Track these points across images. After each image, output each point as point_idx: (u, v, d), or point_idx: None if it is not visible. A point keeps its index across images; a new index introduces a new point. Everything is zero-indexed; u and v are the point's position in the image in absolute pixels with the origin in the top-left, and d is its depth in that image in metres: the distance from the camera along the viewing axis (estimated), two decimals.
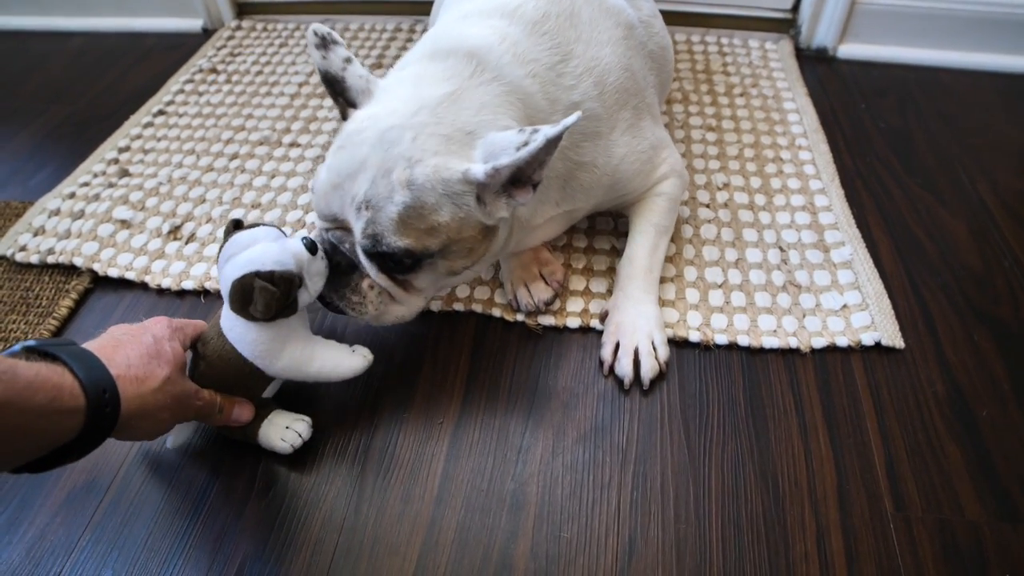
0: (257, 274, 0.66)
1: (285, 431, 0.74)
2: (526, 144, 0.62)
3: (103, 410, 0.56)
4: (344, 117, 0.74)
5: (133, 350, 0.63)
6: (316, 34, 0.72)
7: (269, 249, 0.67)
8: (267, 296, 0.65)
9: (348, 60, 0.73)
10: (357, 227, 0.67)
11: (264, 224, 0.73)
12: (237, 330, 0.70)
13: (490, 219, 0.69)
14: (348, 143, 0.68)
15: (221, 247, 0.71)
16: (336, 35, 0.74)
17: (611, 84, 0.80)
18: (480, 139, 0.67)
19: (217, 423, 0.72)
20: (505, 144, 0.64)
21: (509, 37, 0.74)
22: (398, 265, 0.69)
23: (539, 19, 0.77)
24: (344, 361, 0.74)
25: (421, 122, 0.67)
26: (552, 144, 0.63)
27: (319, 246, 0.70)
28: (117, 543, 0.70)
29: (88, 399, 0.55)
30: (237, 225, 0.72)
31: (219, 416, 0.71)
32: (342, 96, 0.74)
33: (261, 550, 0.68)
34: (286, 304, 0.68)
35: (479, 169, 0.65)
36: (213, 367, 0.71)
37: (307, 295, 0.70)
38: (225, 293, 0.69)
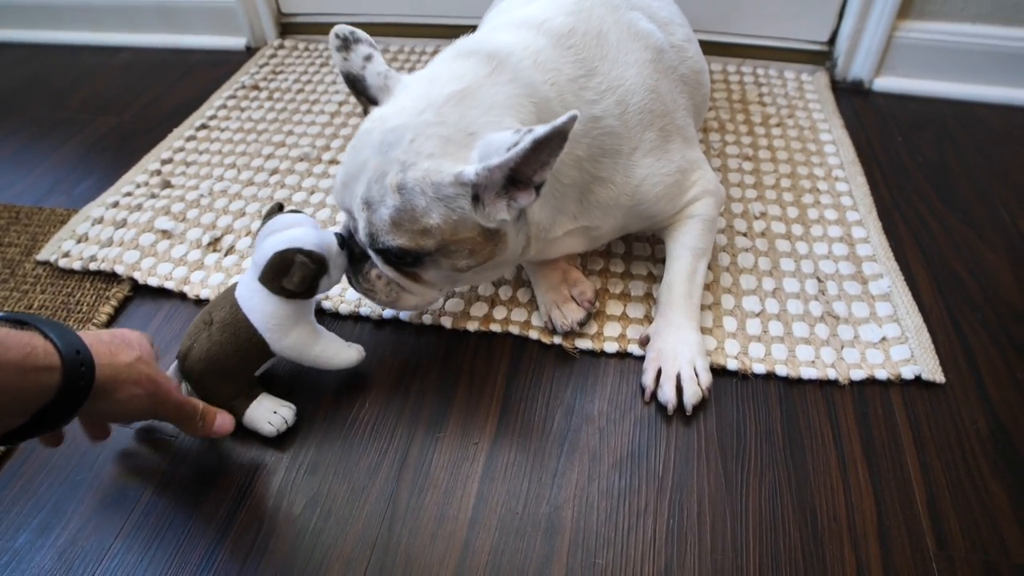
0: (299, 251, 0.72)
1: (272, 415, 0.78)
2: (517, 144, 0.61)
3: (78, 369, 0.57)
4: (366, 113, 0.75)
5: (104, 334, 0.67)
6: (338, 36, 0.74)
7: (311, 233, 0.74)
8: (305, 271, 0.72)
9: (368, 58, 0.74)
10: (360, 224, 0.71)
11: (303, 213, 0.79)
12: (256, 300, 0.75)
13: (489, 221, 0.68)
14: (357, 143, 0.71)
15: (263, 223, 0.77)
16: (360, 33, 0.75)
17: (635, 104, 0.79)
18: (480, 139, 0.66)
19: (197, 432, 0.74)
20: (499, 145, 0.63)
21: (533, 45, 0.75)
22: (399, 260, 0.72)
23: (565, 33, 0.77)
24: (342, 352, 0.80)
25: (424, 121, 0.67)
26: (544, 145, 0.61)
27: (345, 242, 0.76)
28: (148, 552, 0.70)
29: (62, 357, 0.56)
30: (280, 207, 0.79)
31: (200, 424, 0.73)
32: (364, 95, 0.75)
33: (292, 566, 0.68)
34: (312, 285, 0.74)
35: (470, 170, 0.64)
36: (216, 337, 0.75)
37: (327, 282, 0.76)
38: (259, 263, 0.73)
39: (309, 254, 0.73)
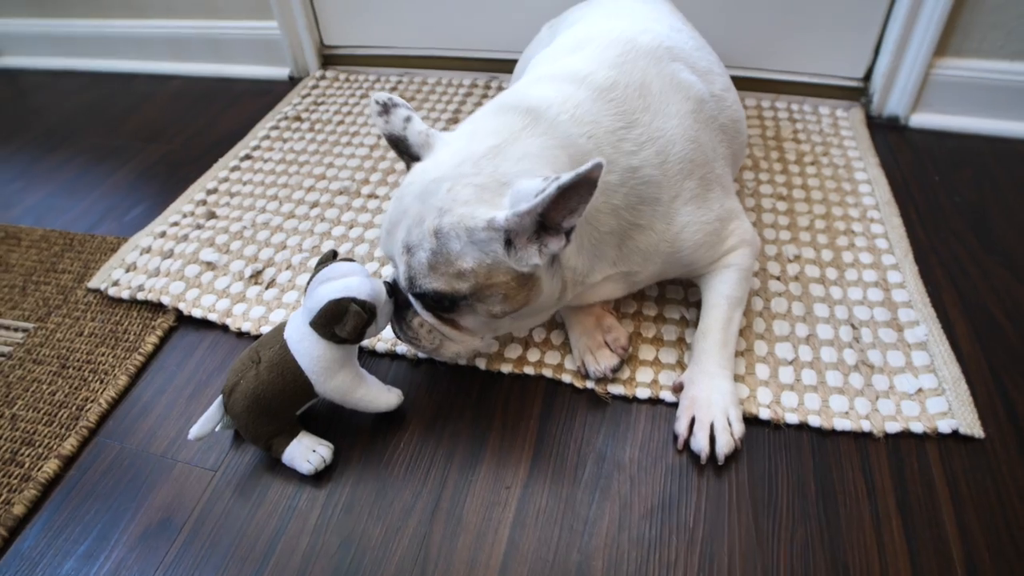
0: (353, 300, 0.75)
1: (311, 453, 0.81)
2: (544, 191, 0.64)
3: None
4: (409, 169, 0.79)
5: None
6: (377, 103, 0.79)
7: (364, 283, 0.77)
8: (358, 320, 0.75)
9: (408, 119, 0.79)
10: (400, 269, 0.74)
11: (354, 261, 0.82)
12: (305, 343, 0.78)
13: (521, 265, 0.70)
14: (400, 194, 0.75)
15: (316, 270, 0.80)
16: (397, 99, 0.80)
17: (675, 154, 0.81)
18: (512, 187, 0.69)
19: None
20: (528, 192, 0.66)
21: (572, 99, 0.77)
22: (438, 304, 0.75)
23: (607, 87, 0.79)
24: (382, 396, 0.84)
25: (460, 173, 0.71)
26: (570, 192, 0.64)
27: (393, 292, 0.79)
28: None
29: None
30: (334, 255, 0.82)
31: None
32: (406, 153, 0.80)
33: None
34: (361, 332, 0.77)
35: (501, 216, 0.67)
36: (264, 376, 0.78)
37: (374, 330, 0.79)
38: (311, 309, 0.77)
39: (362, 304, 0.76)
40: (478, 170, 0.71)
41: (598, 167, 0.62)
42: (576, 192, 0.65)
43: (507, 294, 0.72)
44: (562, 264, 0.76)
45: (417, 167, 0.76)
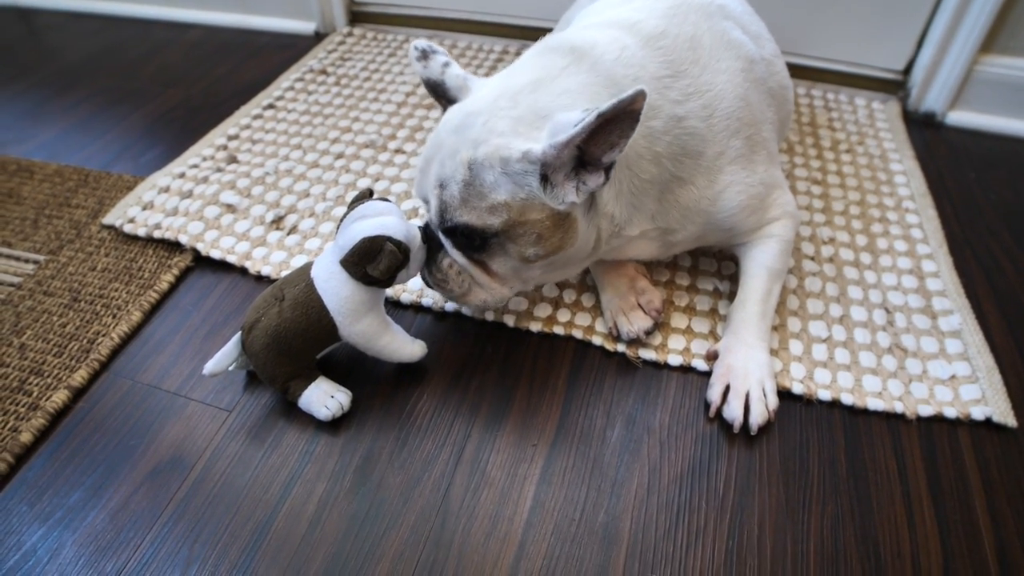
0: (389, 239, 0.72)
1: (329, 399, 0.78)
2: (583, 120, 0.62)
3: None
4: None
5: None
6: (417, 48, 0.80)
7: (400, 223, 0.74)
8: (392, 259, 0.72)
9: (446, 64, 0.79)
10: (432, 205, 0.72)
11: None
12: (333, 282, 0.75)
13: (557, 203, 0.69)
14: (436, 131, 0.74)
15: (351, 207, 0.77)
16: (436, 46, 0.80)
17: (722, 110, 0.78)
18: (551, 121, 0.68)
19: None
20: (567, 123, 0.65)
21: (619, 42, 0.75)
22: (469, 243, 0.73)
23: (656, 35, 0.77)
24: (407, 346, 0.81)
25: (497, 106, 0.70)
26: (611, 122, 0.63)
27: (427, 237, 0.77)
28: (199, 523, 0.70)
29: None
30: (370, 193, 0.79)
31: None
32: (444, 97, 0.79)
33: (343, 551, 0.68)
34: (393, 275, 0.74)
35: (538, 148, 0.66)
36: (287, 313, 0.75)
37: (405, 275, 0.77)
38: (343, 246, 0.74)
39: (397, 244, 0.73)
40: (515, 103, 0.70)
41: (641, 95, 0.60)
42: (618, 124, 0.63)
43: (541, 234, 0.70)
44: (599, 211, 0.74)
45: (455, 107, 0.75)
